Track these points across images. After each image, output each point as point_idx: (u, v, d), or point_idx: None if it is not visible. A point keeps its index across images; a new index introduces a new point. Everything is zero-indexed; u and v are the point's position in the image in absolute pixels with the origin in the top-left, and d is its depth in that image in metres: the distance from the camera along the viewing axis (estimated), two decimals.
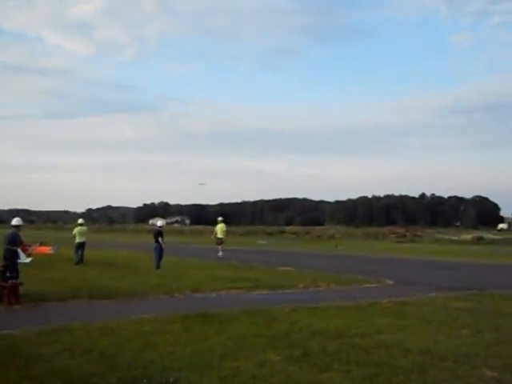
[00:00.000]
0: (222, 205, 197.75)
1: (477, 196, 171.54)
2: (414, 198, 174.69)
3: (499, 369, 6.26)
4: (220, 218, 28.75)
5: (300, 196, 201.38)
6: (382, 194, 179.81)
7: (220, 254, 26.46)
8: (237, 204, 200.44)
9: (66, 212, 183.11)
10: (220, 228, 28.46)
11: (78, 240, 22.16)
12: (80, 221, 23.26)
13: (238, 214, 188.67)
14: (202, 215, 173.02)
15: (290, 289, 14.25)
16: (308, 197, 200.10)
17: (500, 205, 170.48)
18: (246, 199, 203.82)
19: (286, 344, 7.39)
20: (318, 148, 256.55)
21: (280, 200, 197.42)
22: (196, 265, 21.44)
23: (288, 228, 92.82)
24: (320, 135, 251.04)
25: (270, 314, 9.84)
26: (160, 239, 20.47)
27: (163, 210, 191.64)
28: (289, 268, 20.39)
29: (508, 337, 7.94)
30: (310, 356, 6.78)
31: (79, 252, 21.88)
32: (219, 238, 28.21)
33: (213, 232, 29.59)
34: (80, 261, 21.50)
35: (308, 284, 15.11)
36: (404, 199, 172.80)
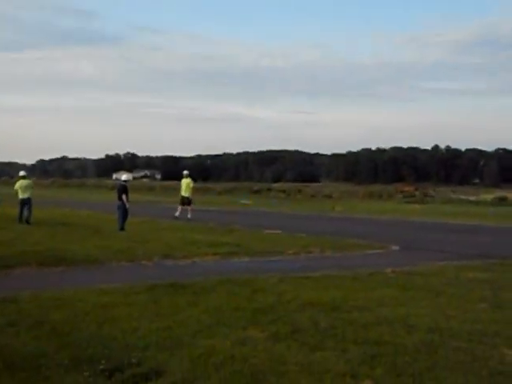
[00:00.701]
0: (199, 157, 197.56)
1: (500, 149, 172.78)
2: (425, 150, 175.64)
3: None
4: (185, 172, 27.98)
5: (292, 148, 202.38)
6: (388, 146, 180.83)
7: (189, 215, 26.11)
8: (217, 157, 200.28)
9: (10, 164, 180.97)
10: (186, 184, 27.61)
11: (20, 196, 21.92)
12: (21, 173, 22.91)
13: (218, 169, 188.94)
14: (175, 169, 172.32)
15: (277, 255, 14.36)
16: (301, 149, 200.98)
17: None
18: (228, 151, 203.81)
19: (271, 319, 7.41)
20: (314, 91, 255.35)
21: (268, 152, 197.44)
22: (167, 227, 21.48)
23: (277, 185, 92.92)
24: (317, 75, 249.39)
25: (253, 284, 9.90)
26: (124, 196, 20.35)
27: (130, 162, 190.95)
28: (277, 231, 20.55)
29: None
30: (299, 333, 6.80)
31: (24, 211, 21.66)
32: (185, 197, 27.37)
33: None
34: (26, 221, 21.32)
35: (299, 250, 15.23)
36: (414, 152, 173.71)
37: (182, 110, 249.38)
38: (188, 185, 27.57)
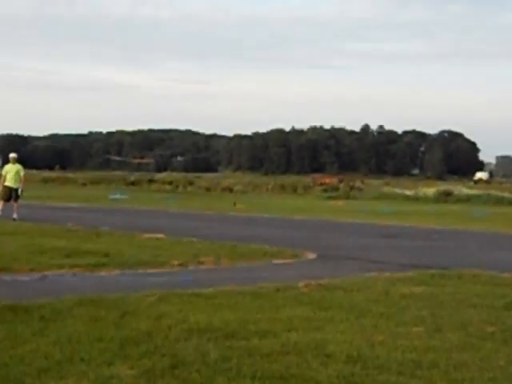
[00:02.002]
0: (55, 137, 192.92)
1: (445, 131, 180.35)
2: (352, 132, 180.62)
3: None
4: (13, 155, 26.82)
5: (181, 127, 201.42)
6: (305, 127, 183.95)
7: (15, 215, 25.40)
8: (80, 137, 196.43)
9: None
10: (14, 172, 26.40)
11: None
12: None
13: (81, 153, 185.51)
14: (23, 152, 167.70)
15: (157, 267, 14.30)
16: (194, 128, 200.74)
17: (479, 145, 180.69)
18: (96, 129, 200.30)
19: (145, 350, 7.36)
20: (211, 52, 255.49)
21: (150, 132, 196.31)
22: (9, 229, 20.97)
23: (161, 175, 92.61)
24: (216, 31, 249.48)
25: (124, 305, 9.80)
26: None
27: None
28: (159, 235, 20.44)
29: (479, 339, 8.36)
30: (181, 367, 6.78)
31: None
32: (12, 189, 26.30)
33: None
34: None
35: (187, 260, 15.22)
36: (338, 134, 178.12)
37: (31, 74, 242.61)
38: (17, 173, 26.51)
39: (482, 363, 7.29)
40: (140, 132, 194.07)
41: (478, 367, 7.16)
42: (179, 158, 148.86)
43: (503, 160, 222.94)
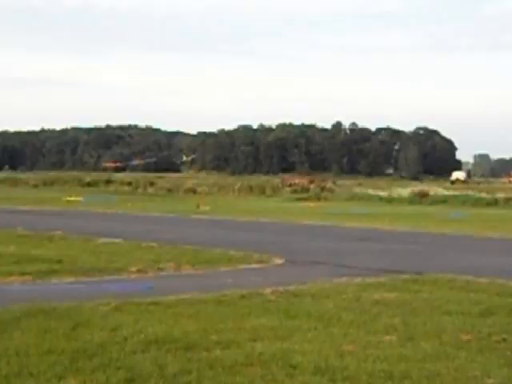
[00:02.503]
0: (3, 135, 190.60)
1: (421, 128, 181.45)
2: (324, 129, 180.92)
3: None
4: None
5: (141, 123, 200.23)
6: (273, 124, 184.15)
7: None
8: (32, 134, 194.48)
9: None
10: None
11: None
12: None
13: (33, 152, 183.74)
14: None
15: (114, 274, 14.26)
16: (154, 125, 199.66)
17: (456, 143, 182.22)
18: (48, 126, 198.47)
19: (98, 363, 7.33)
20: (172, 46, 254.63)
21: (107, 129, 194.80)
22: None
23: (120, 175, 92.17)
24: (177, 24, 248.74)
25: (77, 315, 9.75)
26: None
27: None
28: (116, 240, 20.43)
29: (454, 348, 8.43)
30: (137, 381, 6.77)
31: None
32: None
33: None
34: None
35: (146, 266, 15.19)
36: (308, 132, 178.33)
37: None
38: None
39: (456, 373, 7.35)
40: (97, 129, 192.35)
41: (452, 378, 7.22)
42: (135, 162, 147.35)
43: (481, 159, 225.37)
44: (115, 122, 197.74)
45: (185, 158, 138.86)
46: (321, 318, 9.90)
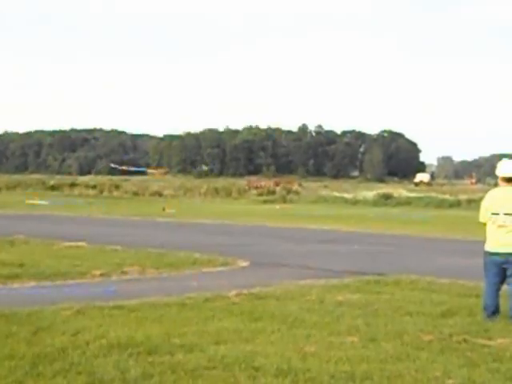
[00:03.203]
0: None
1: (385, 131, 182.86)
2: (290, 132, 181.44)
3: None
4: None
5: (106, 126, 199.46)
6: (240, 127, 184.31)
7: None
8: None
9: None
10: None
11: None
12: None
13: None
14: None
15: (77, 278, 14.16)
16: (121, 128, 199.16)
17: (420, 146, 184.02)
18: (11, 129, 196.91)
19: (59, 368, 7.25)
20: (142, 45, 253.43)
21: (72, 132, 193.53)
22: None
23: (85, 179, 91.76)
24: (140, 25, 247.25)
25: (38, 319, 9.66)
26: None
27: None
28: (79, 243, 20.28)
29: (415, 349, 8.46)
30: None
31: None
32: None
33: None
34: None
35: (109, 270, 15.14)
36: (274, 135, 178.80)
37: None
38: None
39: (417, 374, 7.37)
40: (61, 132, 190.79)
41: (413, 378, 7.24)
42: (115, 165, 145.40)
43: (444, 161, 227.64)
44: (79, 125, 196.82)
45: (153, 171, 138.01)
46: (284, 320, 9.89)
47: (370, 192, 64.08)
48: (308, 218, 36.77)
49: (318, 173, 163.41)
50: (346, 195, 62.71)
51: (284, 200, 60.00)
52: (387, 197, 59.31)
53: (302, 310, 10.69)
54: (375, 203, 56.10)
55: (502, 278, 10.32)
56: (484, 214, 10.49)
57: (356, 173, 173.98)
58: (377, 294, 12.42)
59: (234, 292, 12.09)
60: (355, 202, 57.65)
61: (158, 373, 7.15)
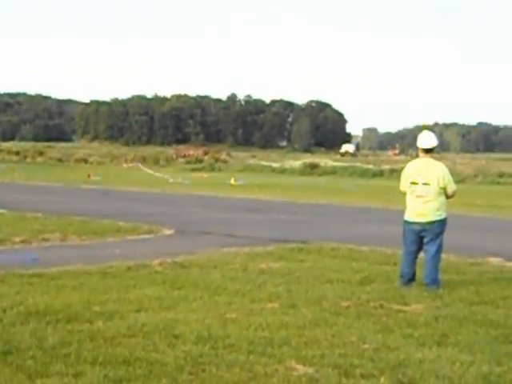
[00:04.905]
0: None
1: (313, 101, 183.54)
2: (218, 100, 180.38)
3: (316, 362, 6.72)
4: None
5: (31, 91, 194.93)
6: (169, 94, 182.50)
7: None
8: None
9: None
10: None
11: None
12: None
13: None
14: None
15: None
16: (45, 93, 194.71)
17: (347, 116, 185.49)
18: None
19: None
20: (65, 9, 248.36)
21: None
22: None
23: (8, 145, 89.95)
24: None
25: None
26: None
27: None
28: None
29: (333, 314, 8.60)
30: (15, 354, 6.64)
31: None
32: None
33: None
34: None
35: (30, 236, 14.93)
36: (203, 103, 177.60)
37: None
38: None
39: (333, 339, 7.50)
40: None
41: (329, 343, 7.36)
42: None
43: (369, 132, 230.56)
44: (2, 89, 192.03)
45: None
46: (207, 288, 9.93)
47: (297, 161, 64.86)
48: (234, 187, 36.86)
49: (246, 142, 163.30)
50: (273, 164, 63.28)
51: (212, 169, 60.12)
52: (313, 166, 60.09)
53: (224, 278, 10.74)
54: (302, 172, 56.78)
55: (420, 246, 10.57)
56: (404, 184, 10.69)
57: (284, 143, 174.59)
58: (299, 262, 12.56)
59: (157, 261, 12.05)
60: (282, 171, 58.22)
61: (77, 340, 7.10)
